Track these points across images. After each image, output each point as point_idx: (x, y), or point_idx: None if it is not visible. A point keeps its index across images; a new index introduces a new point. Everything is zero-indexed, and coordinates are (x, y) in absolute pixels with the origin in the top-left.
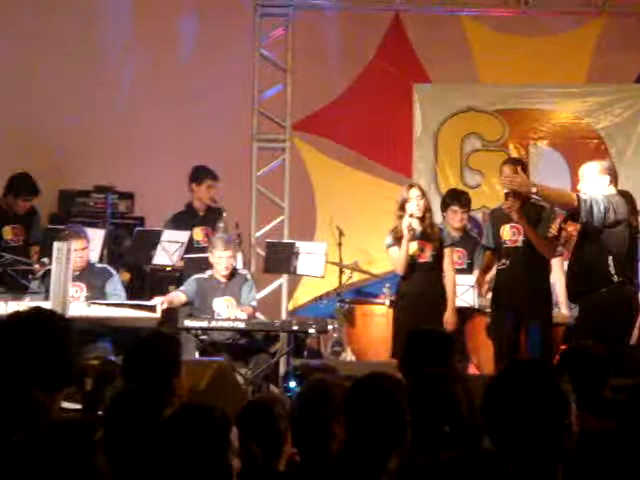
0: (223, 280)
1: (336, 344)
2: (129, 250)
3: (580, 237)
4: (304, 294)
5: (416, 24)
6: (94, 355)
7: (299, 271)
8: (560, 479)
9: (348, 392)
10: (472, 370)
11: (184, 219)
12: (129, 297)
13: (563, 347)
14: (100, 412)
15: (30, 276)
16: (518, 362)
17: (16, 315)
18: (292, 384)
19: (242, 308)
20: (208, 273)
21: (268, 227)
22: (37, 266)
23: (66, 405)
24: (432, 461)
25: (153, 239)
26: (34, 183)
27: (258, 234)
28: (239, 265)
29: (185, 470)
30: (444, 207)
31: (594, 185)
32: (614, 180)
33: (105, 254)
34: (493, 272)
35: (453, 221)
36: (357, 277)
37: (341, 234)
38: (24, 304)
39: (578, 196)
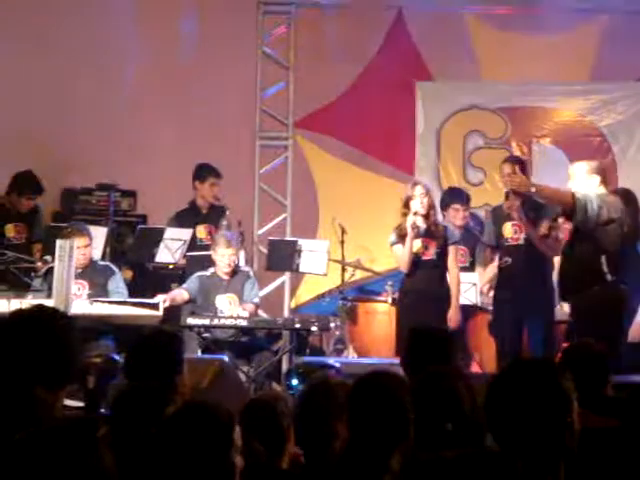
0: (226, 277)
1: (338, 342)
2: (131, 248)
3: (572, 236)
4: (306, 292)
5: (419, 22)
6: (96, 353)
7: (301, 269)
8: (562, 477)
9: (351, 390)
10: (474, 368)
11: (187, 217)
12: (131, 295)
13: (565, 345)
14: (102, 410)
15: (32, 274)
16: (520, 360)
17: (18, 313)
18: (294, 382)
19: (244, 305)
20: (210, 271)
21: (270, 225)
22: (39, 264)
23: (69, 403)
24: (436, 459)
25: (155, 237)
26: (38, 182)
27: (260, 232)
28: (242, 263)
29: (188, 468)
30: (444, 206)
31: (584, 185)
32: (604, 180)
33: (108, 252)
34: (495, 270)
35: (455, 219)
36: (359, 275)
37: (343, 232)
38: (26, 302)
39: (573, 194)
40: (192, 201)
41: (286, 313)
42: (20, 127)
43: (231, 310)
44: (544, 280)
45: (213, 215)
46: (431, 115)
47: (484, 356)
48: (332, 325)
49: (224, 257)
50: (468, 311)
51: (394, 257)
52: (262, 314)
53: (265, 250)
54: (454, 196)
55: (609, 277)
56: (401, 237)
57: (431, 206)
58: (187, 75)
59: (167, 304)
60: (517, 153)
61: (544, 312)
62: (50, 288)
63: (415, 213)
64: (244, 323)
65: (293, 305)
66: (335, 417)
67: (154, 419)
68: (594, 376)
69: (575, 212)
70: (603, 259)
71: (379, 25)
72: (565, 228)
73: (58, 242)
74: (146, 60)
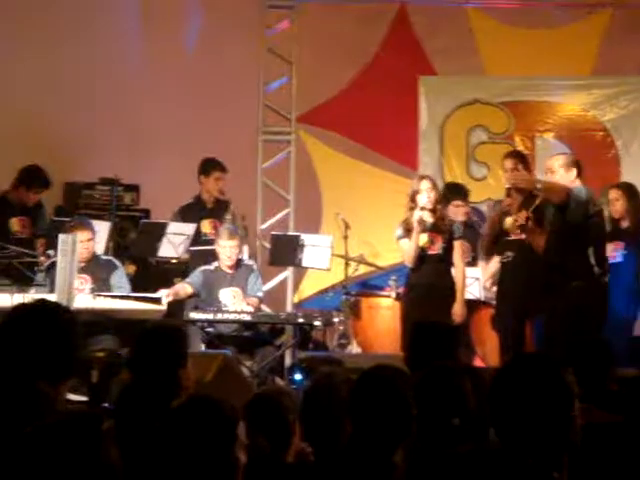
0: (229, 271)
1: (342, 337)
2: (134, 242)
3: (559, 229)
4: (309, 287)
5: (421, 16)
6: (100, 347)
7: (304, 264)
8: (566, 472)
9: (354, 384)
10: (477, 362)
11: (192, 211)
12: (135, 289)
13: None
14: (106, 404)
15: (35, 268)
16: (522, 355)
17: (20, 307)
18: (297, 376)
19: (248, 300)
20: (214, 265)
21: (273, 220)
22: (42, 258)
23: (72, 397)
24: (449, 454)
25: (158, 231)
26: (46, 176)
27: (264, 227)
28: (245, 257)
29: (192, 462)
30: (445, 202)
31: (563, 178)
32: (580, 173)
33: (111, 246)
34: (497, 265)
35: (456, 215)
36: (363, 270)
37: (347, 227)
38: (29, 296)
39: (569, 188)
40: (197, 195)
41: (289, 308)
42: (22, 121)
43: (235, 304)
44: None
45: (218, 210)
46: (434, 110)
47: (487, 350)
48: (335, 320)
49: (225, 248)
50: (471, 306)
51: (400, 251)
52: (265, 309)
53: (268, 245)
54: (454, 192)
55: (596, 270)
56: (407, 231)
57: (438, 200)
58: (190, 69)
59: (170, 299)
60: (520, 148)
61: (547, 307)
62: (53, 282)
63: (422, 208)
64: (247, 318)
65: (296, 300)
66: (340, 412)
67: (158, 413)
68: (597, 370)
69: (569, 205)
70: (591, 251)
71: (382, 19)
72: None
73: (61, 236)
74: (149, 55)
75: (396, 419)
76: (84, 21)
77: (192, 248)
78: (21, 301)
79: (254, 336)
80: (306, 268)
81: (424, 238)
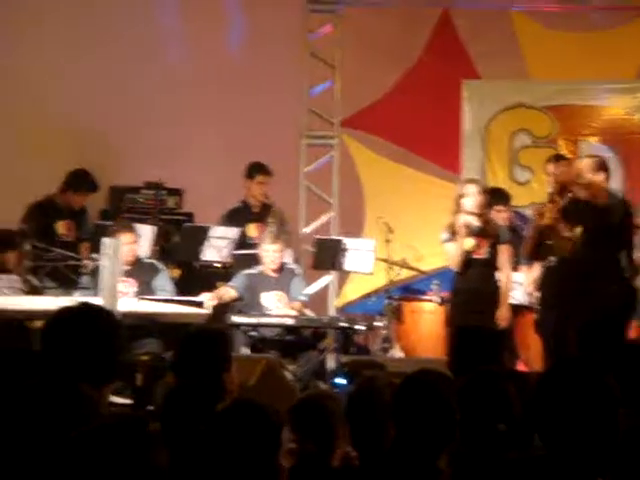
0: (273, 275)
1: (384, 341)
2: (178, 246)
3: (591, 233)
4: (352, 291)
5: (465, 20)
6: (144, 351)
7: (347, 268)
8: (610, 477)
9: (397, 389)
10: (520, 367)
11: (239, 215)
12: (179, 293)
13: None
14: (150, 407)
15: (79, 270)
16: (565, 359)
17: (64, 310)
18: (340, 380)
19: (292, 304)
20: (258, 268)
21: (316, 223)
22: (87, 261)
23: (116, 400)
24: (496, 461)
25: (201, 235)
26: (93, 179)
27: (306, 230)
28: (289, 261)
29: (236, 467)
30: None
31: (593, 181)
32: (608, 177)
33: (155, 250)
34: (539, 270)
35: (497, 220)
36: (405, 274)
37: (389, 231)
38: (74, 299)
39: (608, 191)
40: (244, 199)
41: (332, 312)
42: (68, 125)
43: (278, 308)
44: None
45: (264, 213)
46: (478, 114)
47: (531, 355)
48: (378, 324)
49: (269, 253)
50: (515, 310)
51: (445, 255)
52: (308, 313)
53: (311, 249)
54: (496, 197)
55: (627, 273)
56: (453, 235)
57: (484, 204)
58: (234, 74)
59: (214, 302)
60: (564, 152)
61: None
62: (97, 286)
63: (468, 212)
64: (290, 322)
65: (339, 304)
66: (383, 416)
67: (203, 417)
68: (637, 375)
69: (609, 205)
70: (622, 255)
71: (425, 23)
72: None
73: (105, 240)
74: (194, 60)
75: (439, 424)
76: (129, 25)
77: (238, 252)
78: (66, 304)
79: (297, 340)
80: (349, 272)
81: (470, 242)
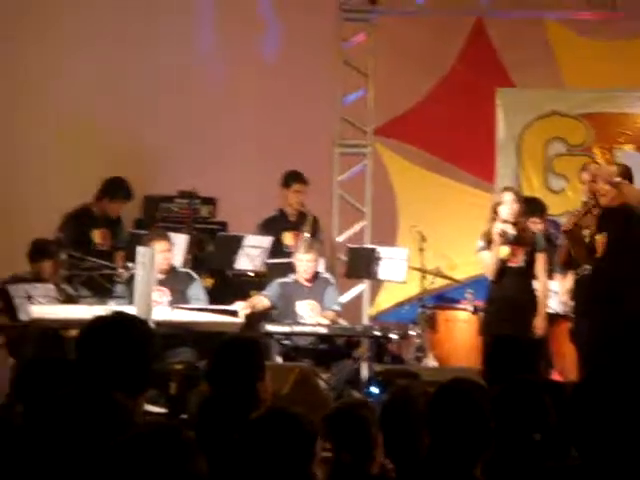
0: (306, 284)
1: (418, 349)
2: (211, 255)
3: (622, 237)
4: (386, 299)
5: (499, 28)
6: (178, 360)
7: (380, 276)
8: None
9: (431, 398)
10: (555, 376)
11: (275, 223)
12: (212, 302)
13: None
14: (184, 416)
15: (115, 279)
16: (600, 369)
17: (98, 319)
18: (374, 389)
19: (325, 313)
20: (292, 277)
21: (350, 232)
22: (122, 270)
23: (150, 408)
24: (532, 470)
25: (235, 244)
26: (128, 187)
27: (340, 239)
28: (321, 269)
29: (270, 476)
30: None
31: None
32: (631, 183)
33: (188, 259)
34: (573, 278)
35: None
36: (439, 282)
37: (423, 239)
38: (109, 308)
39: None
40: (280, 208)
41: (365, 320)
42: (103, 136)
43: (311, 317)
44: None
45: (301, 222)
46: (512, 122)
47: (566, 365)
48: (412, 333)
49: (302, 262)
50: (550, 319)
51: (480, 263)
52: (341, 321)
53: (344, 257)
54: (532, 208)
55: None
56: (489, 243)
57: (521, 213)
58: (268, 83)
59: (247, 311)
60: (599, 160)
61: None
62: (132, 295)
63: (504, 220)
64: (323, 330)
65: (372, 312)
66: (418, 425)
67: (237, 426)
68: None
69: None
70: None
71: (459, 32)
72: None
73: (139, 249)
74: (227, 68)
75: (474, 433)
76: (163, 34)
77: (274, 260)
78: (100, 313)
79: (330, 349)
80: (382, 281)
81: (505, 250)
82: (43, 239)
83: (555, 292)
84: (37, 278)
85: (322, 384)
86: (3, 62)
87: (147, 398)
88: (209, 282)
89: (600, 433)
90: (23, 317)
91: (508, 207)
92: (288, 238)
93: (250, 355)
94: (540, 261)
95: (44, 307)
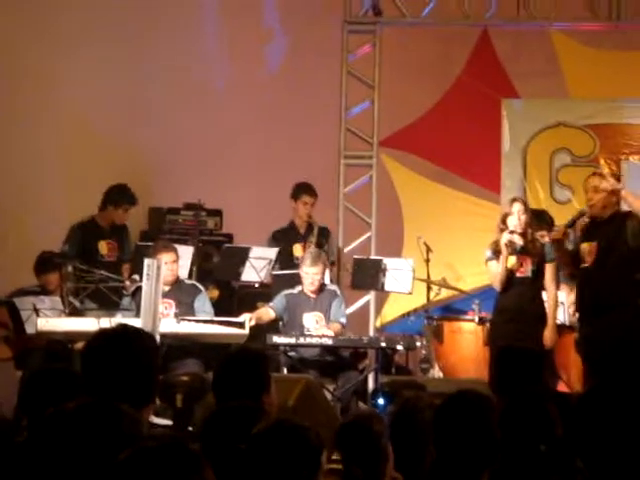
0: (312, 296)
1: (424, 361)
2: (217, 267)
3: (603, 252)
4: (392, 310)
5: (504, 39)
6: (184, 372)
7: (386, 287)
8: None
9: (437, 409)
10: (561, 388)
11: (286, 235)
12: (218, 314)
13: None
14: (190, 428)
15: (122, 291)
16: (606, 380)
17: (103, 332)
18: (380, 401)
19: (331, 325)
20: (298, 289)
21: (355, 243)
22: (128, 283)
23: (157, 421)
24: None
25: (241, 256)
26: (132, 193)
27: (345, 250)
28: (327, 281)
29: None
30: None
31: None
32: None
33: (194, 271)
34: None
35: None
36: (445, 293)
37: (429, 250)
38: (115, 320)
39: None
40: (291, 220)
41: (371, 332)
42: (108, 148)
43: (317, 329)
44: None
45: (309, 234)
46: (517, 133)
47: (572, 376)
48: (418, 344)
49: (308, 275)
50: (557, 330)
51: (488, 273)
52: (347, 333)
53: (350, 269)
54: (538, 221)
55: None
56: (496, 253)
57: (529, 223)
58: (272, 95)
59: (253, 323)
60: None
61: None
62: (139, 307)
63: (511, 230)
64: (329, 342)
65: (378, 324)
66: (424, 437)
67: (243, 438)
68: None
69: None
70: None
71: (464, 43)
72: None
73: (146, 261)
74: (232, 80)
75: (481, 444)
76: (166, 48)
77: (282, 272)
78: (107, 325)
79: (336, 360)
80: (388, 292)
81: (512, 260)
82: (49, 252)
83: (562, 302)
84: (43, 291)
85: (328, 396)
86: (2, 62)
87: (153, 410)
88: (215, 294)
89: (606, 444)
90: (30, 330)
91: (516, 217)
92: (298, 250)
93: (256, 367)
94: (549, 272)
95: (51, 320)
